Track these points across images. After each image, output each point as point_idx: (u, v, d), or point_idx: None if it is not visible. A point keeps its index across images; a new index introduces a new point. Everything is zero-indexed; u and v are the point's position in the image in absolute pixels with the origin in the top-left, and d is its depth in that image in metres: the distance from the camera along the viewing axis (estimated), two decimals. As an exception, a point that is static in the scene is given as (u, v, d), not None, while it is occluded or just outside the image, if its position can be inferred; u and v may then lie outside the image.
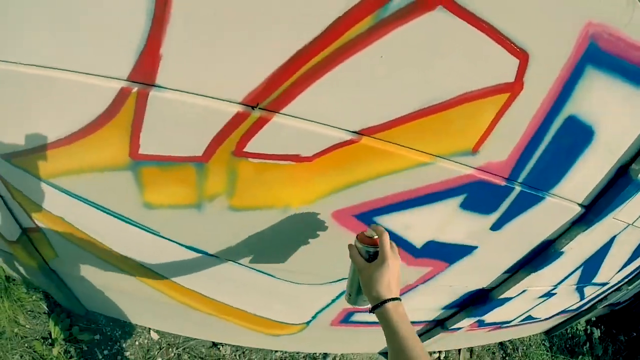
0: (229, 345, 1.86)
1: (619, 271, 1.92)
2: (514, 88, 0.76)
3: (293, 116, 0.72)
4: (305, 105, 0.71)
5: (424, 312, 1.66)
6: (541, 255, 1.33)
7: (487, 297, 1.52)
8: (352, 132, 0.77)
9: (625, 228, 1.48)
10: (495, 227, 1.12)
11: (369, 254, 0.80)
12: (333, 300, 1.42)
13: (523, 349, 2.37)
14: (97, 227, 1.05)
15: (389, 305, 0.72)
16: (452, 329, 1.72)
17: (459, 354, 2.23)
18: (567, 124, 0.88)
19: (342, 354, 2.07)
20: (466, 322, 1.66)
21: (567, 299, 2.02)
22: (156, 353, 1.71)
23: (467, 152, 0.85)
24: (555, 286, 1.72)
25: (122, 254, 1.14)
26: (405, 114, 0.75)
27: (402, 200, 0.93)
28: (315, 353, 2.01)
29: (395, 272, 0.76)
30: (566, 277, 1.69)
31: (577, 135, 0.94)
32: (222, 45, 0.63)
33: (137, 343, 1.70)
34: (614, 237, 1.53)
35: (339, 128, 0.76)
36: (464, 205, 0.99)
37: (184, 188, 0.86)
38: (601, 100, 0.87)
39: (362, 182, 0.87)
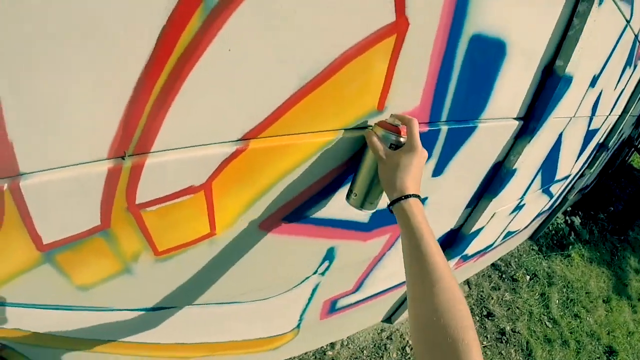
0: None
1: (576, 161, 1.94)
2: (398, 27, 0.65)
3: (166, 150, 0.61)
4: (174, 134, 0.59)
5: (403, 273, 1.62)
6: (495, 179, 1.29)
7: (459, 236, 1.49)
8: (235, 141, 0.64)
9: (568, 122, 1.46)
10: (436, 172, 1.04)
11: (391, 143, 0.69)
12: (310, 299, 1.34)
13: (515, 261, 2.42)
14: (52, 325, 0.92)
15: (412, 200, 0.63)
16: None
17: (456, 288, 2.25)
18: (473, 45, 0.79)
19: (348, 337, 2.05)
20: (450, 264, 1.63)
21: (537, 204, 2.04)
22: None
23: (374, 113, 0.74)
24: (521, 198, 1.71)
25: (84, 337, 1.01)
26: (286, 98, 0.62)
27: (329, 182, 0.83)
28: (322, 346, 1.99)
29: (422, 165, 0.68)
30: (528, 187, 1.67)
31: (489, 52, 0.85)
32: (63, 108, 0.51)
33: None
34: (561, 133, 1.50)
35: (218, 143, 0.63)
36: (396, 165, 0.90)
37: (105, 259, 0.77)
38: (501, 9, 0.78)
39: (273, 186, 0.75)
